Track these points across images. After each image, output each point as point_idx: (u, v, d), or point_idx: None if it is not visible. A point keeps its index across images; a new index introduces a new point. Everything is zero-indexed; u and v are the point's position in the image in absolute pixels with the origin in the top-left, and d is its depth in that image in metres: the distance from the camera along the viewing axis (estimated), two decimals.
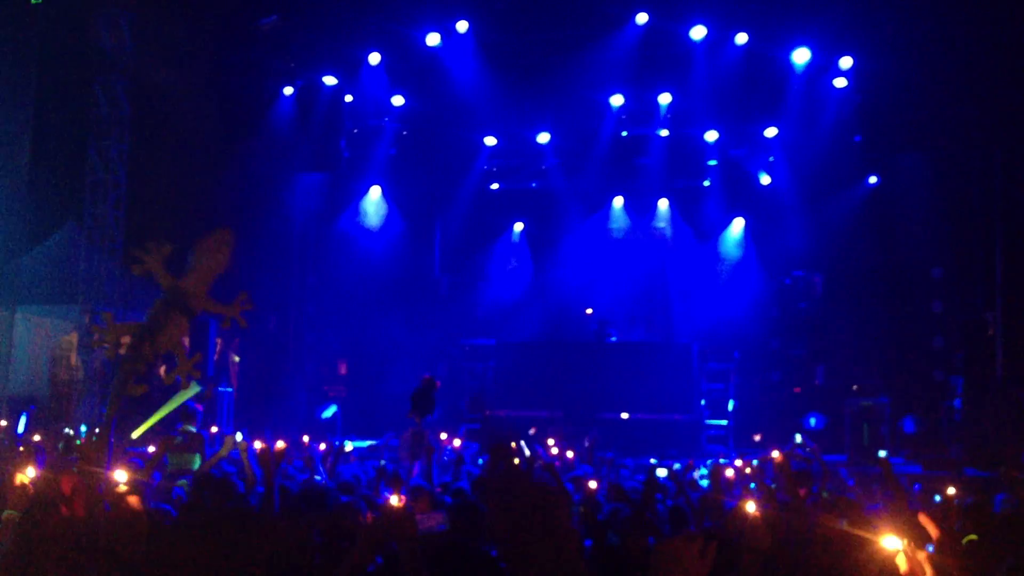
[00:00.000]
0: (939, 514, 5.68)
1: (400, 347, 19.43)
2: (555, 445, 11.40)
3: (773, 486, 7.72)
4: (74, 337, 16.03)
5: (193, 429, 10.20)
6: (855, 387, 15.80)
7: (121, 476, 4.75)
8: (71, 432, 8.17)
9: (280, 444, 5.57)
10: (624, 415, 16.68)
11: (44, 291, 16.52)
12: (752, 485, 8.14)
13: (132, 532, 4.18)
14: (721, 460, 13.20)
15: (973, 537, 5.26)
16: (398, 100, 18.89)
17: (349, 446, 11.87)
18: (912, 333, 17.49)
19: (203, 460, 9.66)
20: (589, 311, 18.23)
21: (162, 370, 13.14)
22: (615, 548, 5.04)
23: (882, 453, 13.71)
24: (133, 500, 4.38)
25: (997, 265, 15.81)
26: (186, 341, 10.12)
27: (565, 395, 16.96)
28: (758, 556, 3.83)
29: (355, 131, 19.32)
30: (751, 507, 4.29)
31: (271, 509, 5.39)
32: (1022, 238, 15.53)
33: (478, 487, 6.90)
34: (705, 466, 11.44)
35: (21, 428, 10.97)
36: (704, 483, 9.82)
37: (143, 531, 4.20)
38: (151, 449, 9.37)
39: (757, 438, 17.03)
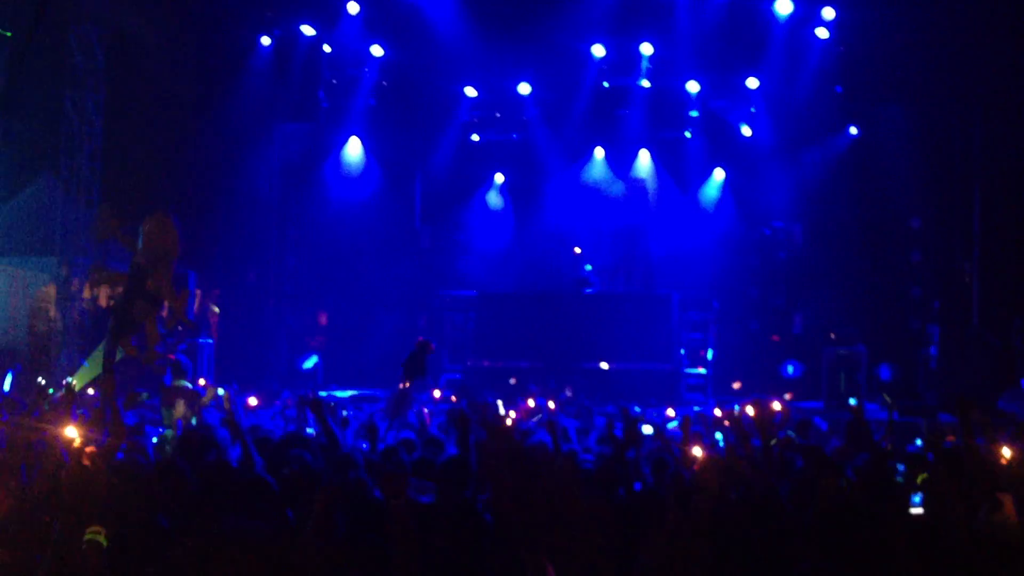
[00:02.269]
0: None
1: (381, 298, 19.45)
2: (533, 397, 11.41)
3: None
4: (52, 289, 15.94)
5: (187, 384, 10.20)
6: (832, 335, 15.94)
7: (72, 433, 4.73)
8: (43, 382, 8.15)
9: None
10: (604, 365, 16.79)
11: (21, 243, 16.39)
12: (718, 436, 8.29)
13: (91, 487, 4.19)
14: (696, 408, 13.39)
15: (924, 476, 5.37)
16: (377, 50, 18.68)
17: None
18: (890, 282, 17.64)
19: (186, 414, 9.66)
20: (577, 250, 18.22)
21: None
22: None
23: (852, 401, 13.91)
24: (90, 451, 4.40)
25: (975, 215, 15.94)
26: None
27: (546, 346, 17.02)
28: (708, 496, 4.06)
29: (334, 81, 19.10)
30: (697, 451, 4.68)
31: (251, 466, 5.44)
32: (1000, 188, 15.64)
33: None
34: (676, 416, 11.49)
35: (7, 387, 10.97)
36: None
37: (102, 486, 4.22)
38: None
39: (736, 386, 17.21)
